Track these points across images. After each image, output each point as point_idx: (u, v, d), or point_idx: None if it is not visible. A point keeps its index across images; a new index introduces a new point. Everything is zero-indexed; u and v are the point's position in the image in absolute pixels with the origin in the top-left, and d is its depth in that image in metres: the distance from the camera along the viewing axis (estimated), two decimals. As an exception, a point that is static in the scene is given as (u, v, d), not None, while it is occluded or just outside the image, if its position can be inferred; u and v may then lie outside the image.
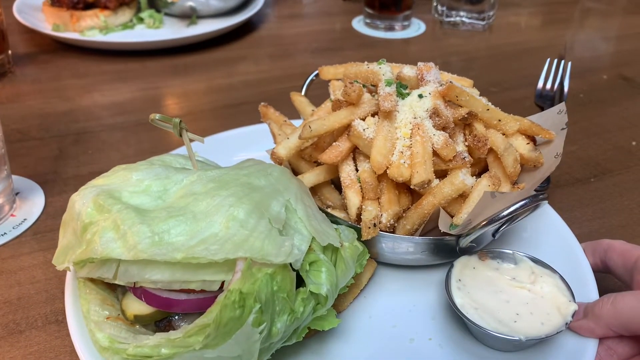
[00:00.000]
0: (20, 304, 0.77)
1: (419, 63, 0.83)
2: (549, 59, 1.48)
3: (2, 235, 0.88)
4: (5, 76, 1.38)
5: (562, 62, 1.45)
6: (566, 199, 1.02)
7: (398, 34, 1.73)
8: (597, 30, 1.88)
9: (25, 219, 0.92)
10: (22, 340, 0.72)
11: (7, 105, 1.25)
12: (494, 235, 0.76)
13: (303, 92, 0.98)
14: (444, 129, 0.76)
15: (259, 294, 0.55)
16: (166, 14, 1.70)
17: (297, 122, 0.93)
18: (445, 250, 0.77)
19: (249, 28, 1.73)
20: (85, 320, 0.64)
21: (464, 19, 1.76)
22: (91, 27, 1.55)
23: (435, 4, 1.83)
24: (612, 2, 2.12)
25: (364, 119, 0.77)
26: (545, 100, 1.32)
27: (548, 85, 1.38)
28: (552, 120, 0.87)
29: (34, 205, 0.95)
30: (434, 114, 0.76)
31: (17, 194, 0.96)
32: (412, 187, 0.72)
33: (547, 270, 0.74)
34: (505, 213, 0.68)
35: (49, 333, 0.73)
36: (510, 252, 0.76)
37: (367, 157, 0.75)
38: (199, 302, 0.59)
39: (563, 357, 0.69)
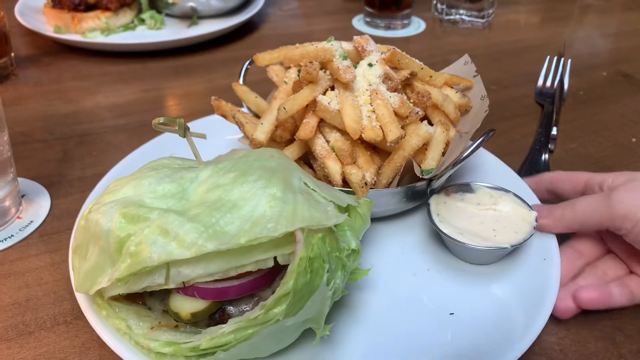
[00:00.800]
0: (28, 306, 0.78)
1: (355, 37, 0.92)
2: (548, 57, 1.49)
3: (9, 237, 0.89)
4: (8, 79, 1.39)
5: (562, 59, 1.46)
6: (567, 196, 1.03)
7: (398, 33, 1.73)
8: (596, 27, 1.89)
9: (31, 221, 0.92)
10: (32, 341, 0.73)
11: (10, 108, 1.25)
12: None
13: (241, 81, 1.02)
14: (395, 90, 0.85)
15: (322, 256, 0.60)
16: (167, 15, 1.70)
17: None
18: (418, 195, 0.88)
19: (250, 28, 1.73)
20: (126, 338, 0.65)
21: (463, 17, 1.77)
22: (92, 29, 1.55)
23: (435, 2, 1.83)
24: (611, -2, 2.12)
25: (324, 94, 0.83)
26: (545, 98, 1.33)
27: (548, 83, 1.39)
28: (462, 71, 1.01)
29: (40, 207, 0.96)
30: (386, 78, 0.85)
31: (22, 196, 0.97)
32: (388, 144, 0.80)
33: (501, 192, 0.88)
34: (469, 151, 0.80)
35: (57, 334, 0.74)
36: (467, 183, 0.90)
37: (334, 128, 0.83)
38: (251, 284, 0.63)
39: (534, 253, 0.83)
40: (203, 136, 0.74)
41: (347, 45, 0.91)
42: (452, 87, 0.97)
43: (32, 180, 1.02)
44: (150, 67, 1.48)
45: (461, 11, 1.77)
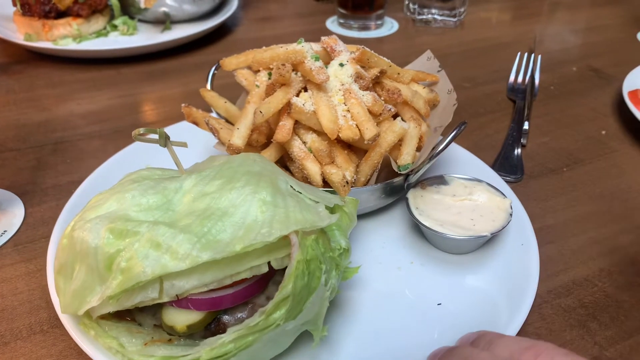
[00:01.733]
0: (3, 316, 0.77)
1: (323, 38, 0.93)
2: (519, 53, 1.52)
3: (-18, 248, 0.88)
4: (-22, 88, 1.36)
5: (532, 56, 1.49)
6: (540, 189, 1.05)
7: (372, 33, 1.75)
8: (565, 24, 1.93)
9: (5, 231, 0.91)
10: (8, 351, 0.72)
11: (-19, 118, 1.23)
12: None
13: (209, 87, 1.02)
14: (367, 89, 0.87)
15: (318, 257, 0.61)
16: (140, 20, 1.69)
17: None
18: (396, 190, 0.89)
19: (223, 32, 1.73)
20: (119, 356, 0.63)
21: (435, 16, 1.79)
22: (64, 36, 1.54)
23: (407, 2, 1.85)
24: (580, -5, 2.17)
25: (297, 96, 0.84)
26: (517, 94, 1.35)
27: (519, 79, 1.42)
28: (426, 67, 1.05)
29: (13, 216, 0.94)
30: (358, 77, 0.86)
31: (-5, 206, 0.96)
32: (365, 142, 0.81)
33: (475, 182, 0.90)
34: (444, 144, 0.83)
35: (34, 343, 0.73)
36: (441, 175, 0.92)
37: (309, 129, 0.84)
38: (245, 291, 0.63)
39: (512, 240, 0.86)
40: (184, 145, 0.73)
41: (316, 47, 0.92)
42: (418, 83, 1.00)
43: (5, 189, 1.00)
44: (124, 73, 1.46)
45: (433, 10, 1.79)
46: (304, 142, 0.84)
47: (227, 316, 0.64)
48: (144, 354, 0.62)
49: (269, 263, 0.62)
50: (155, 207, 0.63)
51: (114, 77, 1.45)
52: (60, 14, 1.54)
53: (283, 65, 0.80)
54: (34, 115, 1.26)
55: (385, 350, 0.71)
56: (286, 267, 0.60)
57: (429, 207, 0.87)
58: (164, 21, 1.66)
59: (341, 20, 1.78)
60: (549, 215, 0.98)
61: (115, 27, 1.64)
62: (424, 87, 0.99)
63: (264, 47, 0.92)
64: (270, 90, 0.85)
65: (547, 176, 1.08)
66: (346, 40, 1.70)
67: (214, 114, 0.98)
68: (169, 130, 1.08)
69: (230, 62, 0.97)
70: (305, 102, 0.82)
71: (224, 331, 0.61)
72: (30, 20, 1.52)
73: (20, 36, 1.53)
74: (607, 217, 0.98)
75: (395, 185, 0.87)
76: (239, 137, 0.85)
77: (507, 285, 0.79)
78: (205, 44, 1.63)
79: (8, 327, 0.75)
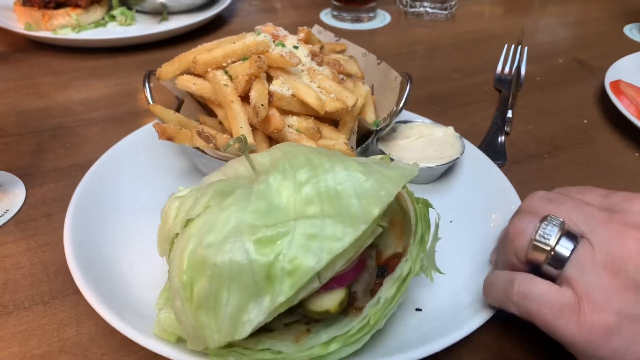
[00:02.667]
0: (7, 288, 0.81)
1: (258, 27, 1.00)
2: (506, 45, 1.56)
3: (-15, 226, 0.92)
4: (-21, 75, 1.40)
5: (519, 47, 1.53)
6: (522, 173, 1.09)
7: (364, 25, 1.78)
8: (555, 17, 1.97)
9: (7, 210, 0.95)
10: (11, 320, 0.76)
11: (-17, 104, 1.27)
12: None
13: (150, 100, 0.97)
14: (321, 64, 0.94)
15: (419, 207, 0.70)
16: (138, 11, 1.73)
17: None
18: (369, 148, 0.97)
19: (219, 23, 1.77)
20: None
21: (427, 9, 1.83)
22: (63, 26, 1.57)
23: (399, -5, 1.89)
24: (570, -11, 2.20)
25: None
26: (503, 84, 1.40)
27: (506, 70, 1.46)
28: (363, 62, 1.10)
29: (15, 196, 0.98)
30: (314, 55, 0.94)
31: (-2, 187, 1.00)
32: (350, 109, 0.89)
33: (429, 121, 1.08)
34: (404, 101, 0.95)
35: (36, 313, 0.77)
36: (403, 121, 1.05)
37: (289, 112, 0.89)
38: (361, 260, 0.66)
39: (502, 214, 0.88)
40: (254, 149, 0.76)
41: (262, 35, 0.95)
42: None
43: (7, 171, 1.04)
44: (122, 62, 1.50)
45: (425, 3, 1.82)
46: (290, 126, 0.88)
47: (354, 289, 0.67)
48: (304, 349, 0.62)
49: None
50: (267, 210, 0.60)
51: (112, 66, 1.48)
52: (60, 5, 1.58)
53: (259, 57, 0.84)
54: (34, 102, 1.30)
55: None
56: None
57: (400, 151, 0.98)
58: (161, 12, 1.70)
59: (335, 13, 1.82)
60: (529, 199, 1.02)
61: (113, 18, 1.68)
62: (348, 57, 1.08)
63: (196, 49, 0.94)
64: (248, 85, 0.87)
65: (528, 162, 1.12)
66: (339, 31, 1.75)
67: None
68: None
69: (167, 72, 0.94)
70: (280, 87, 0.87)
71: (353, 302, 0.66)
72: (30, 10, 1.56)
73: (20, 26, 1.57)
74: (584, 201, 1.02)
75: (368, 144, 0.96)
76: (249, 134, 0.85)
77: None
78: (202, 34, 1.67)
79: (11, 298, 0.79)
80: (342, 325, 0.64)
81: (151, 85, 0.98)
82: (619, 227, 0.60)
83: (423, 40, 1.72)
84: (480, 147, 1.14)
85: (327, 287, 0.62)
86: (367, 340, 0.64)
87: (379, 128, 0.95)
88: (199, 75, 0.94)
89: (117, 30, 1.64)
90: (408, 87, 0.96)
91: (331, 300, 0.62)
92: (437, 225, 0.72)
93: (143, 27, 1.65)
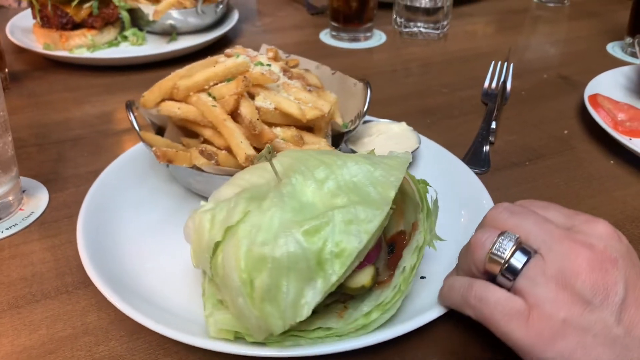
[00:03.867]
0: (34, 280, 0.90)
1: (229, 50, 1.10)
2: (493, 62, 1.66)
3: (13, 226, 1.01)
4: (3, 92, 1.50)
5: (506, 64, 1.63)
6: (504, 180, 1.18)
7: (361, 44, 1.89)
8: (543, 36, 2.07)
9: (32, 212, 1.05)
10: (39, 307, 0.85)
11: (7, 117, 1.37)
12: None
13: (137, 127, 1.01)
14: (292, 79, 1.04)
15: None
16: (148, 32, 1.84)
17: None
18: (341, 147, 1.09)
19: (225, 42, 1.88)
20: (330, 339, 0.71)
21: (421, 29, 1.94)
22: (79, 46, 1.68)
23: (394, 16, 2.00)
24: (559, 10, 2.32)
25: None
26: (490, 98, 1.49)
27: (493, 85, 1.56)
28: (317, 71, 1.21)
29: (39, 200, 1.08)
30: (285, 71, 1.04)
31: (23, 191, 1.09)
32: (327, 115, 0.99)
33: (383, 120, 1.21)
34: (367, 104, 1.09)
35: (61, 301, 0.86)
36: (366, 121, 1.17)
37: (272, 124, 0.96)
38: (378, 240, 0.75)
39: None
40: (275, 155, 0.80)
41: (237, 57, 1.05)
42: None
43: (31, 178, 1.14)
44: (134, 79, 1.61)
45: (419, 24, 1.93)
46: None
47: (376, 264, 0.76)
48: (350, 321, 0.70)
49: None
50: (301, 207, 0.67)
51: (124, 82, 1.59)
52: (76, 26, 1.69)
53: (245, 77, 0.94)
54: (54, 116, 1.40)
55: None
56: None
57: (367, 148, 1.10)
58: (171, 32, 1.81)
59: (333, 33, 1.93)
60: (512, 202, 1.11)
61: (125, 38, 1.79)
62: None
63: (170, 76, 1.01)
64: (237, 104, 0.94)
65: (511, 169, 1.22)
66: (338, 50, 1.86)
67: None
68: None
69: (149, 100, 0.99)
70: (263, 102, 0.97)
71: (376, 277, 0.74)
72: (48, 32, 1.67)
73: (39, 46, 1.68)
74: (560, 203, 1.10)
75: (341, 144, 1.08)
76: (248, 148, 0.92)
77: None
78: (208, 53, 1.77)
79: (39, 288, 0.88)
80: (376, 297, 0.73)
81: (135, 114, 1.03)
82: (573, 244, 0.64)
83: (416, 58, 1.82)
84: (466, 155, 1.23)
85: (360, 265, 0.70)
86: (399, 306, 0.73)
87: (348, 130, 1.06)
88: (179, 101, 0.98)
89: (129, 49, 1.75)
90: (369, 91, 1.09)
91: (365, 276, 0.71)
92: (436, 200, 0.82)
93: (153, 47, 1.76)
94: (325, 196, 0.69)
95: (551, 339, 0.62)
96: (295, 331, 0.69)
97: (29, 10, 1.77)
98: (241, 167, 0.92)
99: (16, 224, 1.02)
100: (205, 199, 0.79)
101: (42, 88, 1.55)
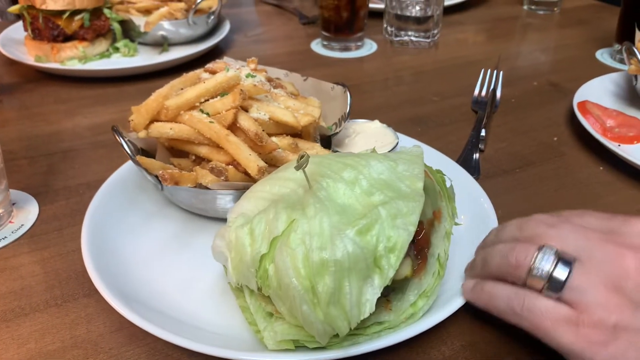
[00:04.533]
0: (23, 293, 0.90)
1: (208, 65, 1.10)
2: (483, 70, 1.67)
3: (3, 239, 1.01)
4: (-7, 104, 1.51)
5: (495, 72, 1.64)
6: (494, 187, 1.18)
7: (352, 54, 1.90)
8: (533, 43, 2.09)
9: (22, 225, 1.04)
10: (28, 321, 0.85)
11: (-3, 130, 1.37)
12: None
13: (129, 151, 0.98)
14: (275, 88, 1.06)
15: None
16: (140, 43, 1.85)
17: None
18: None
19: (217, 53, 1.88)
20: (385, 330, 0.74)
21: (412, 38, 1.95)
22: (71, 58, 1.69)
23: (385, 25, 2.01)
24: (548, 17, 2.34)
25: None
26: (480, 106, 1.50)
27: (483, 93, 1.57)
28: (294, 80, 1.23)
29: (29, 213, 1.08)
30: (269, 81, 1.06)
31: (13, 204, 1.09)
32: (318, 120, 1.02)
33: (359, 120, 1.22)
34: (349, 106, 1.11)
35: (50, 314, 0.86)
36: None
37: (268, 135, 0.96)
38: None
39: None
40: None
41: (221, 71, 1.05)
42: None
43: (21, 190, 1.14)
44: (126, 90, 1.61)
45: (409, 33, 1.94)
46: None
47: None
48: (400, 313, 0.74)
49: None
50: (342, 209, 0.69)
51: (116, 94, 1.59)
52: (67, 38, 1.70)
53: (242, 91, 0.93)
54: (45, 128, 1.40)
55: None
56: None
57: (351, 148, 1.13)
58: (162, 43, 1.82)
59: (324, 42, 1.94)
60: (502, 209, 1.10)
61: (117, 49, 1.79)
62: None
63: (152, 96, 0.98)
64: (235, 117, 0.93)
65: (501, 176, 1.22)
66: (329, 60, 1.87)
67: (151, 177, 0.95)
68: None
69: (139, 123, 0.96)
70: (258, 113, 0.97)
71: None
72: (40, 44, 1.67)
73: (30, 58, 1.68)
74: (550, 210, 1.10)
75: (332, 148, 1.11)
76: (258, 160, 0.91)
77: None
78: (200, 64, 1.77)
79: (27, 301, 0.88)
80: (417, 286, 0.75)
81: (126, 139, 0.99)
82: (616, 247, 0.64)
83: (407, 67, 1.83)
84: (456, 163, 1.24)
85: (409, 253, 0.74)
86: (439, 291, 0.77)
87: (334, 132, 1.09)
88: (168, 121, 0.96)
89: (120, 61, 1.75)
90: (349, 94, 1.12)
91: (406, 267, 0.73)
92: (451, 186, 0.86)
93: (145, 58, 1.77)
94: (359, 196, 0.71)
95: (603, 343, 0.62)
96: (352, 331, 0.70)
97: (21, 23, 1.78)
98: (248, 181, 0.91)
99: (5, 237, 1.01)
100: (202, 216, 0.79)
101: (33, 100, 1.55)
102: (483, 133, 1.34)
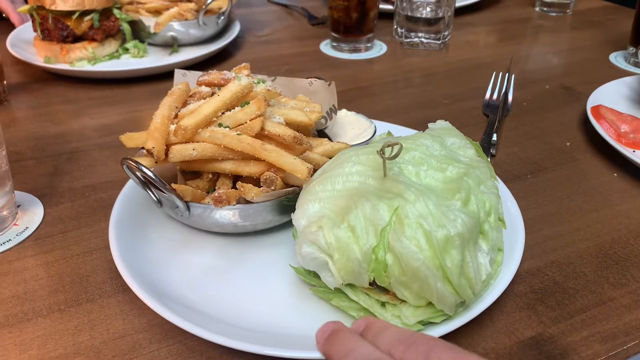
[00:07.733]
0: (26, 297, 0.89)
1: (204, 77, 1.05)
2: (494, 72, 1.64)
3: (7, 241, 1.00)
4: (1, 104, 1.51)
5: (507, 75, 1.61)
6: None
7: (362, 55, 1.88)
8: (545, 46, 2.06)
9: (27, 227, 1.04)
10: (30, 326, 0.84)
11: (4, 130, 1.37)
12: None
13: (162, 182, 0.85)
14: None
15: None
16: (149, 44, 1.84)
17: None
18: None
19: (226, 54, 1.88)
20: (400, 321, 0.74)
21: (422, 39, 1.93)
22: (80, 58, 1.68)
23: (395, 26, 1.99)
24: (561, 19, 2.30)
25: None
26: (491, 109, 1.48)
27: (494, 96, 1.54)
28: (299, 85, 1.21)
29: (34, 215, 1.07)
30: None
31: (18, 206, 1.08)
32: (322, 119, 1.09)
33: (344, 110, 1.23)
34: (335, 101, 1.14)
35: (52, 320, 0.85)
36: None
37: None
38: None
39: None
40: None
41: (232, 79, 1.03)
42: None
43: (27, 192, 1.13)
44: (134, 91, 1.60)
45: (420, 34, 1.92)
46: None
47: None
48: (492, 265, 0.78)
49: None
50: (429, 189, 0.74)
51: (125, 95, 1.59)
52: (77, 39, 1.69)
53: (264, 97, 0.90)
54: (51, 128, 1.40)
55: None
56: None
57: (336, 138, 1.14)
58: (172, 44, 1.81)
59: (334, 44, 1.92)
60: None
61: (126, 50, 1.79)
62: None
63: (154, 120, 0.92)
64: (262, 124, 0.89)
65: (512, 182, 1.20)
66: (338, 61, 1.85)
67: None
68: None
69: (161, 151, 0.87)
70: (274, 119, 0.96)
71: None
72: (49, 45, 1.67)
73: (39, 59, 1.68)
74: (563, 217, 1.09)
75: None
76: (304, 163, 0.87)
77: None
78: (209, 65, 1.77)
79: (30, 306, 0.87)
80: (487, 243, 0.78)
81: (146, 170, 0.85)
82: None
83: (417, 69, 1.81)
84: (466, 168, 1.22)
85: None
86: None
87: (326, 125, 1.12)
88: (183, 142, 0.89)
89: (130, 62, 1.75)
90: (334, 87, 1.15)
91: None
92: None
93: (155, 59, 1.76)
94: (434, 173, 0.75)
95: None
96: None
97: (30, 24, 1.77)
98: (283, 188, 0.87)
99: (10, 239, 1.01)
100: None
101: (41, 100, 1.55)
102: (494, 137, 1.32)
